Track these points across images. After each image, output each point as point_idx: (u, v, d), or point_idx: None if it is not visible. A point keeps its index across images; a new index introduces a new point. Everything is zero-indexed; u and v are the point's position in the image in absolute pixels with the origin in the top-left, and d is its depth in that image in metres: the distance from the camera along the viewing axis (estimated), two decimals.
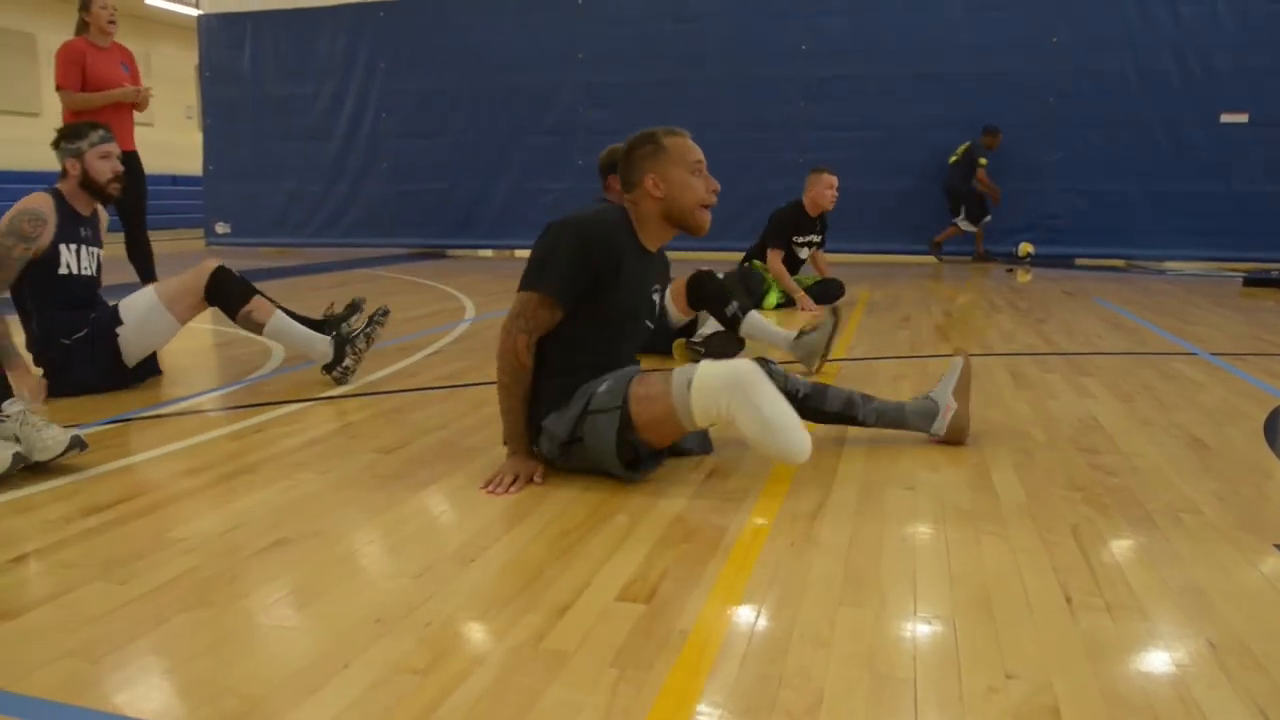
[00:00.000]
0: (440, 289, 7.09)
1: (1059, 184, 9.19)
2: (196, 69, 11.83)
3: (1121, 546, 1.95)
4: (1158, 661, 1.47)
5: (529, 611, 1.64)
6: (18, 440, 2.44)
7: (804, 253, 6.11)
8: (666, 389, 2.25)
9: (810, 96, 9.66)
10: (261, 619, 1.62)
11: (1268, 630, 1.57)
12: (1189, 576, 1.79)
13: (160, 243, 5.54)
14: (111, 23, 5.26)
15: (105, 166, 3.46)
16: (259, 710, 1.33)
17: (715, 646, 1.51)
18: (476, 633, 1.57)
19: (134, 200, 5.31)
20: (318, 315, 3.91)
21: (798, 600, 1.69)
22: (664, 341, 4.18)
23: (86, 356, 3.41)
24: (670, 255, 2.76)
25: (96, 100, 5.11)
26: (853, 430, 2.88)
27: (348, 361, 3.60)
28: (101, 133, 3.47)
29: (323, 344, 3.61)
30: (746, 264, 6.04)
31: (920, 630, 1.57)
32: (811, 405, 2.64)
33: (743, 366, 2.22)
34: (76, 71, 5.09)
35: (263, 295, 3.65)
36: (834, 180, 5.94)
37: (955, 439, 2.70)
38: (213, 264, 3.59)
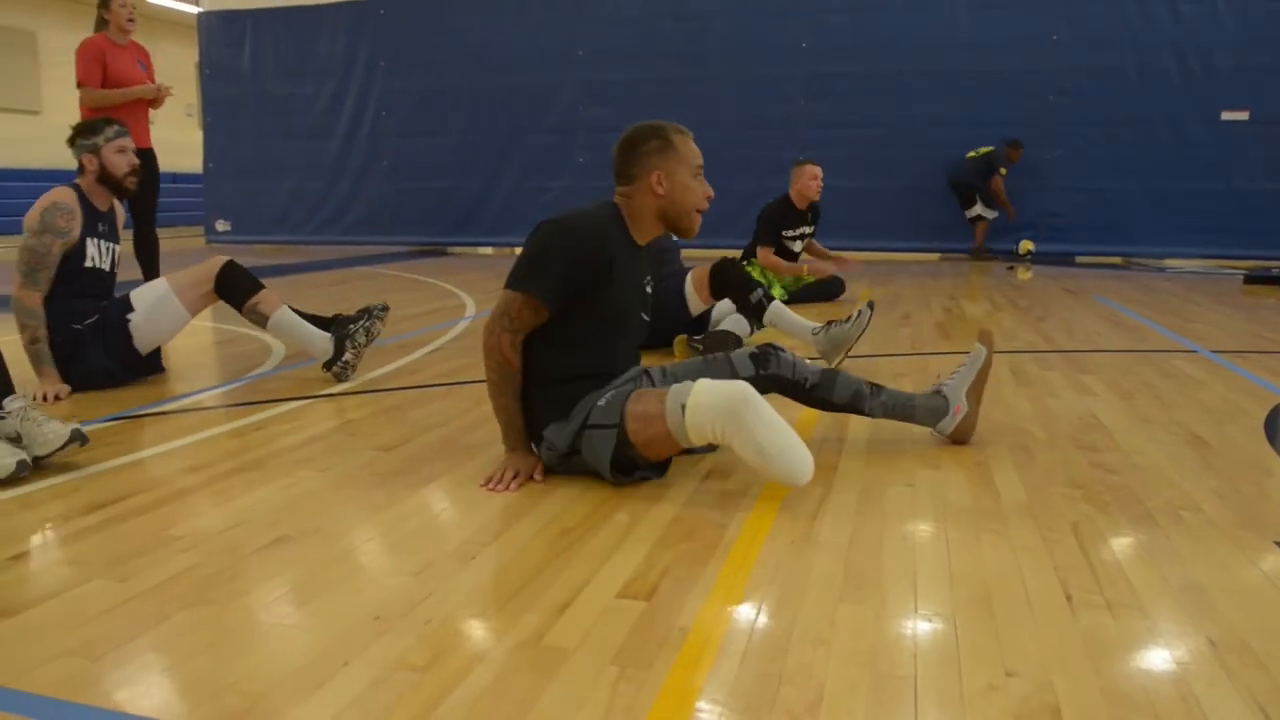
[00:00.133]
0: (440, 286, 7.09)
1: (1059, 182, 9.18)
2: (197, 67, 11.83)
3: (1122, 544, 1.95)
4: (1158, 659, 1.47)
5: (529, 609, 1.64)
6: (19, 437, 2.44)
7: (797, 245, 6.13)
8: (661, 410, 2.20)
9: (811, 94, 9.65)
10: (262, 616, 1.62)
11: (1268, 628, 1.57)
12: (1189, 574, 1.79)
13: (160, 240, 5.55)
14: (131, 20, 5.34)
15: (122, 161, 3.50)
16: (259, 707, 1.33)
17: (715, 644, 1.51)
18: (477, 630, 1.57)
19: (147, 197, 5.36)
20: (321, 314, 3.89)
21: (798, 598, 1.69)
22: (681, 328, 4.19)
23: (98, 343, 3.45)
24: None
25: (116, 97, 5.19)
26: (853, 428, 2.88)
27: (348, 356, 3.61)
28: (116, 128, 3.52)
29: (323, 340, 3.63)
30: (743, 263, 6.05)
31: (921, 628, 1.57)
32: (819, 396, 2.59)
33: (735, 391, 2.14)
34: (98, 68, 5.16)
35: (270, 291, 3.69)
36: (818, 171, 6.00)
37: (960, 439, 2.68)
38: (224, 258, 3.66)
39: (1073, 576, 1.78)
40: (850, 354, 3.86)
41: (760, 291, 3.97)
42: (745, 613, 1.63)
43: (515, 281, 2.31)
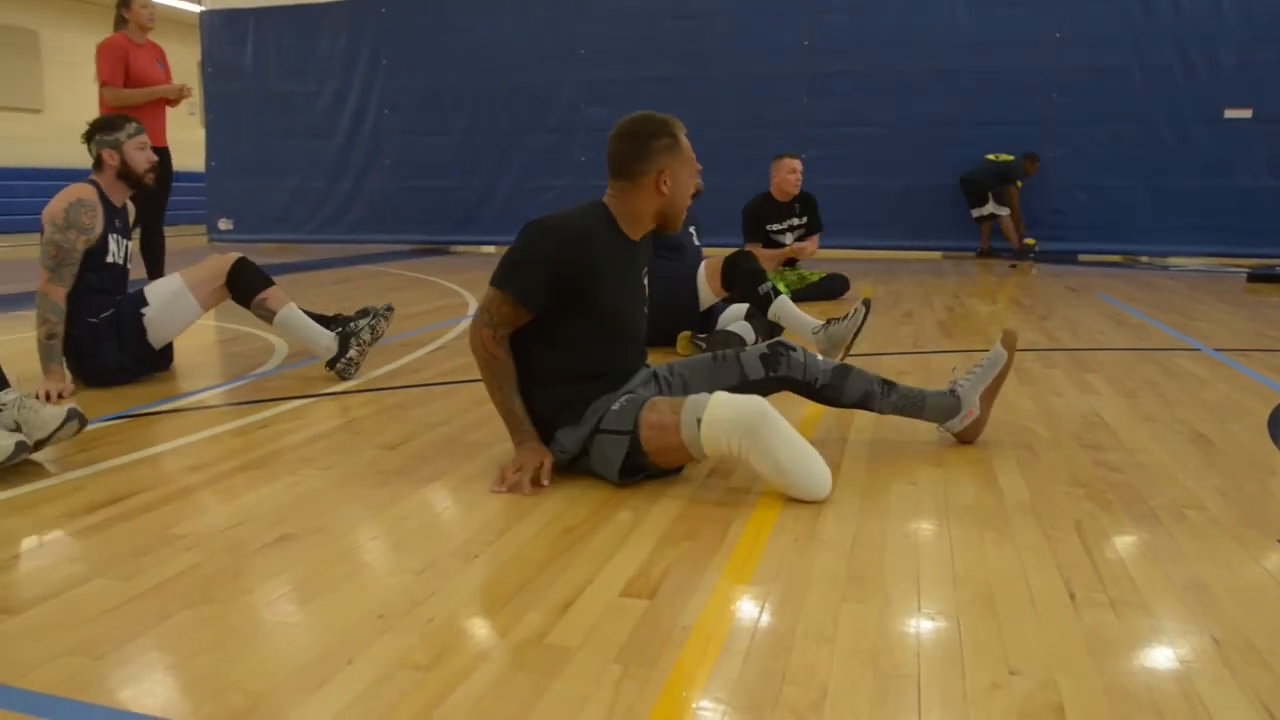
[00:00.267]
0: (443, 285, 7.10)
1: (1062, 180, 9.17)
2: (199, 65, 11.83)
3: (1125, 543, 1.95)
4: (1162, 658, 1.47)
5: (532, 608, 1.64)
6: (18, 427, 2.45)
7: (787, 238, 6.14)
8: (676, 422, 2.20)
9: (812, 93, 9.64)
10: (265, 615, 1.62)
11: (1272, 626, 1.57)
12: (1193, 572, 1.79)
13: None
14: (151, 20, 5.42)
15: (142, 157, 3.56)
16: (263, 706, 1.33)
17: (718, 643, 1.51)
18: (480, 629, 1.57)
19: (159, 196, 5.41)
20: (323, 314, 3.90)
21: (801, 596, 1.69)
22: (687, 322, 4.22)
23: (113, 337, 3.49)
24: None
25: (139, 96, 5.26)
26: (856, 427, 2.88)
27: (352, 353, 3.63)
28: (136, 124, 3.58)
29: (327, 339, 3.65)
30: None
31: (924, 627, 1.57)
32: (828, 396, 2.58)
33: (752, 407, 2.16)
34: (120, 68, 5.24)
35: (279, 289, 3.72)
36: (795, 164, 6.06)
37: (966, 439, 2.67)
38: (236, 254, 3.70)
39: (1076, 575, 1.78)
40: (852, 352, 3.86)
41: (769, 285, 4.03)
42: (748, 611, 1.63)
43: (496, 280, 2.31)
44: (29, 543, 1.97)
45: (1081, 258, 9.22)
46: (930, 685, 1.38)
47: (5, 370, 2.72)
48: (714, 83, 9.79)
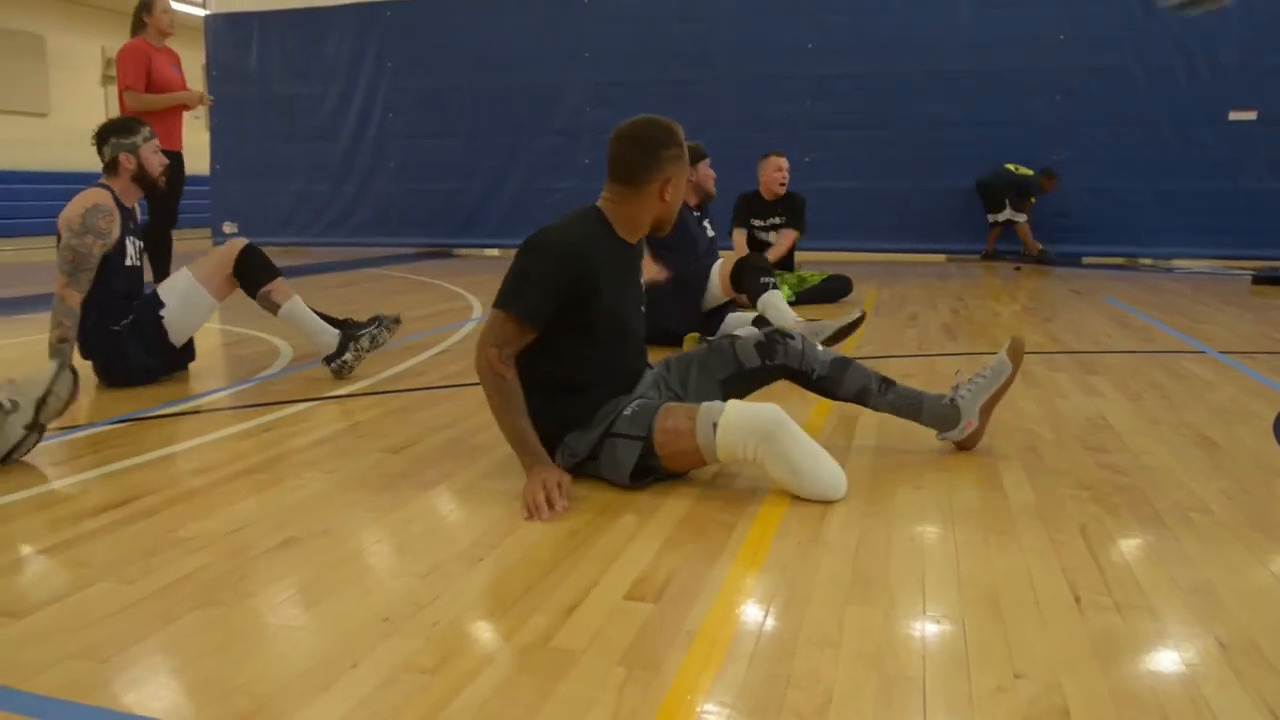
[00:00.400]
0: (447, 288, 7.10)
1: (1066, 182, 9.13)
2: (203, 69, 11.86)
3: (1130, 546, 1.94)
4: (1167, 661, 1.47)
5: (537, 611, 1.64)
6: (16, 405, 2.47)
7: (771, 236, 6.18)
8: (692, 427, 2.22)
9: (815, 94, 9.64)
10: (270, 618, 1.62)
11: (1278, 629, 1.56)
12: (1198, 575, 1.79)
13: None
14: (172, 26, 5.50)
15: (157, 160, 3.62)
16: (267, 709, 1.33)
17: (723, 646, 1.51)
18: (484, 632, 1.57)
19: (171, 199, 5.48)
20: (334, 316, 3.97)
21: (806, 600, 1.69)
22: (692, 323, 4.26)
23: (138, 341, 3.55)
24: None
25: (162, 102, 5.33)
26: (860, 431, 2.88)
27: (348, 356, 3.67)
28: (149, 127, 3.62)
29: (329, 335, 3.70)
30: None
31: (929, 630, 1.57)
32: (825, 387, 2.57)
33: (768, 413, 2.19)
34: (143, 72, 5.31)
35: (285, 281, 3.77)
36: (781, 163, 6.10)
37: (964, 447, 2.65)
38: (242, 242, 3.74)
39: (1081, 578, 1.78)
40: (856, 355, 3.86)
41: (771, 281, 4.20)
42: (753, 614, 1.63)
43: (500, 301, 2.27)
44: (34, 546, 1.97)
45: (1085, 260, 9.20)
46: (935, 688, 1.38)
47: (14, 373, 2.73)
48: (717, 84, 9.79)
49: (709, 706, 1.34)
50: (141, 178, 3.58)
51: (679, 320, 4.30)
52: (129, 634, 1.56)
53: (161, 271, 5.49)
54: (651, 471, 2.30)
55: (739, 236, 6.13)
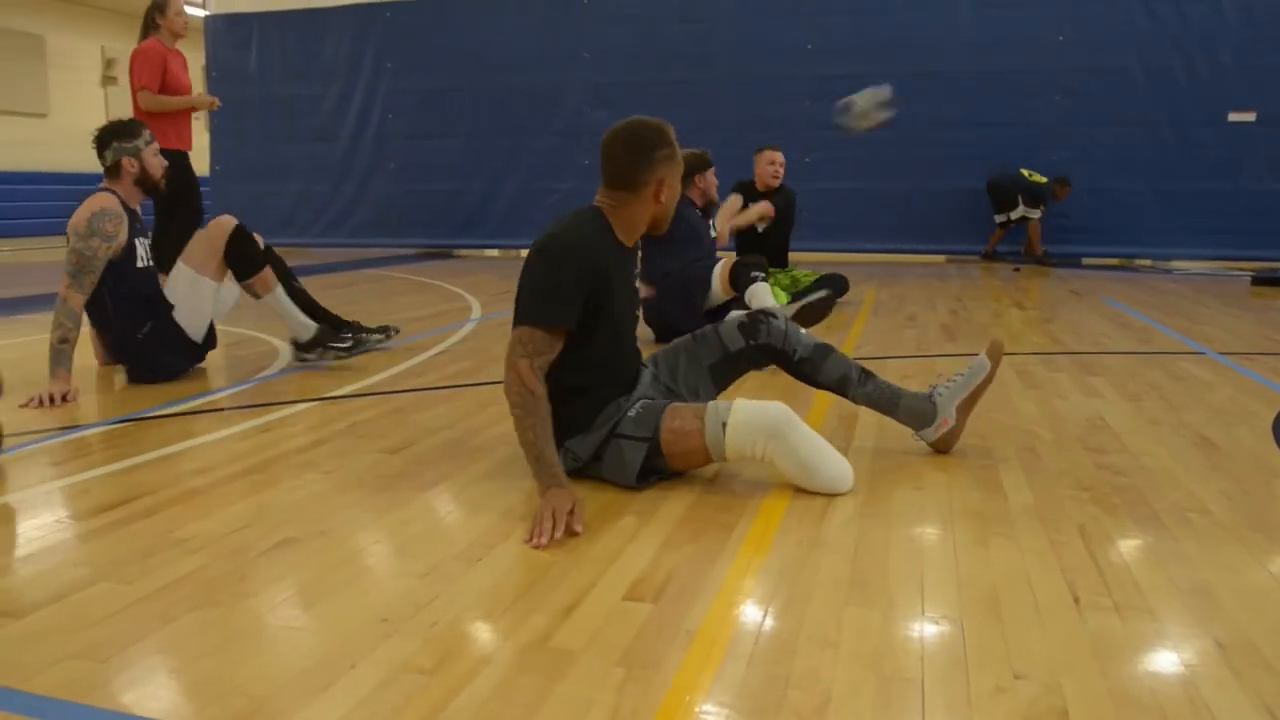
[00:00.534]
0: (447, 289, 7.10)
1: None
2: (203, 69, 11.86)
3: (1129, 546, 1.94)
4: (1166, 661, 1.47)
5: (536, 611, 1.64)
6: None
7: (761, 227, 6.22)
8: (700, 427, 2.24)
9: (815, 95, 9.64)
10: (268, 619, 1.62)
11: (1276, 629, 1.56)
12: (1197, 576, 1.79)
13: None
14: (185, 28, 5.55)
15: (158, 163, 3.67)
16: (266, 709, 1.33)
17: (722, 646, 1.51)
18: (483, 632, 1.57)
19: (194, 199, 5.60)
20: (341, 316, 4.22)
21: (805, 600, 1.69)
22: (696, 320, 4.32)
23: (160, 345, 3.62)
24: None
25: (175, 104, 5.42)
26: (859, 431, 2.88)
27: (312, 355, 3.87)
28: (149, 131, 3.66)
29: (307, 329, 3.84)
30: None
31: (928, 631, 1.57)
32: (805, 371, 2.57)
33: (774, 409, 2.23)
34: (159, 73, 5.37)
35: (271, 264, 3.91)
36: (775, 156, 6.16)
37: (941, 449, 2.63)
38: (230, 224, 3.79)
39: (1080, 579, 1.78)
40: (858, 356, 3.88)
41: (760, 275, 4.39)
42: (752, 615, 1.63)
43: (529, 316, 2.21)
44: (33, 546, 1.97)
45: (1085, 261, 9.21)
46: (934, 689, 1.38)
47: (11, 373, 2.72)
48: (717, 85, 9.79)
49: (708, 707, 1.34)
50: (144, 181, 3.61)
51: (684, 317, 4.40)
52: (128, 634, 1.56)
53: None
54: (656, 471, 2.32)
55: (735, 201, 6.16)
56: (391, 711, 1.32)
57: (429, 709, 1.33)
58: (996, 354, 2.59)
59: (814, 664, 1.45)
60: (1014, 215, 9.05)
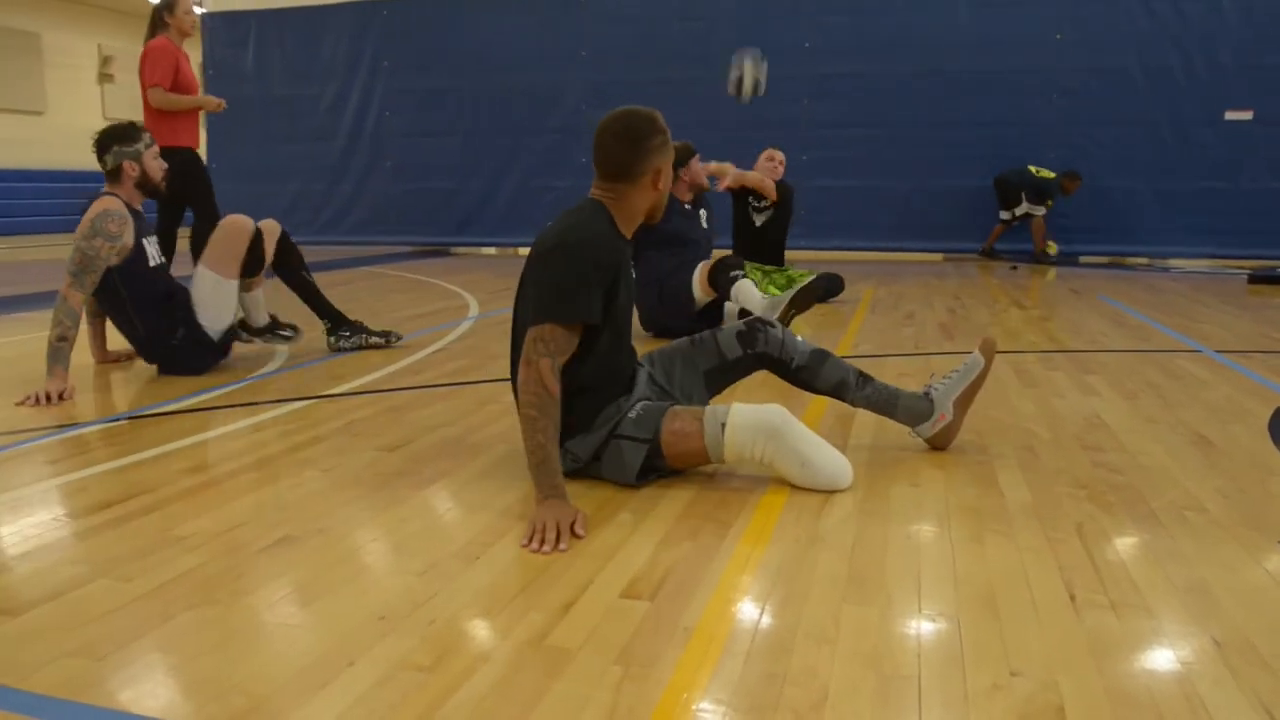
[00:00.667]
0: (444, 287, 7.10)
1: None
2: (200, 68, 11.84)
3: (1126, 544, 1.95)
4: (1162, 659, 1.47)
5: (533, 609, 1.64)
6: None
7: (758, 219, 6.30)
8: (699, 429, 2.26)
9: (814, 94, 9.64)
10: (266, 616, 1.62)
11: (1273, 627, 1.57)
12: (1194, 574, 1.79)
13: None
14: (194, 27, 5.63)
15: (158, 166, 3.69)
16: (264, 707, 1.33)
17: (720, 644, 1.51)
18: (481, 630, 1.57)
19: (208, 194, 5.60)
20: (341, 311, 4.35)
21: (802, 598, 1.69)
22: (678, 323, 4.43)
23: (193, 349, 3.72)
24: None
25: (185, 103, 5.49)
26: (856, 430, 2.88)
27: (259, 341, 4.08)
28: (149, 134, 3.70)
29: (263, 318, 4.04)
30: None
31: (925, 628, 1.57)
32: (803, 378, 2.58)
33: (773, 412, 2.25)
34: (171, 70, 5.44)
35: (289, 253, 4.13)
36: (775, 154, 6.32)
37: (938, 445, 2.64)
38: (250, 228, 3.85)
39: (1077, 576, 1.78)
40: (845, 356, 3.89)
41: (740, 274, 4.46)
42: (749, 612, 1.63)
43: (551, 312, 2.17)
44: (30, 544, 1.97)
45: (1083, 259, 9.21)
46: (931, 686, 1.38)
47: (8, 371, 2.72)
48: (716, 84, 9.75)
49: (705, 704, 1.34)
50: (144, 183, 3.64)
51: (676, 319, 4.52)
52: (126, 632, 1.56)
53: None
54: (655, 470, 2.33)
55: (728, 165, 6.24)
56: (389, 709, 1.32)
57: (427, 706, 1.33)
58: (989, 351, 2.61)
59: (811, 661, 1.46)
60: (1018, 212, 9.05)
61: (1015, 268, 8.63)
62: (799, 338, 2.59)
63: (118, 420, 3.05)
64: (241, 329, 3.99)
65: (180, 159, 5.21)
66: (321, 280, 4.34)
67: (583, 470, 2.36)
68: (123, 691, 1.38)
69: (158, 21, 5.46)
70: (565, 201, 9.84)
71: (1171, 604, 1.66)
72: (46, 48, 14.51)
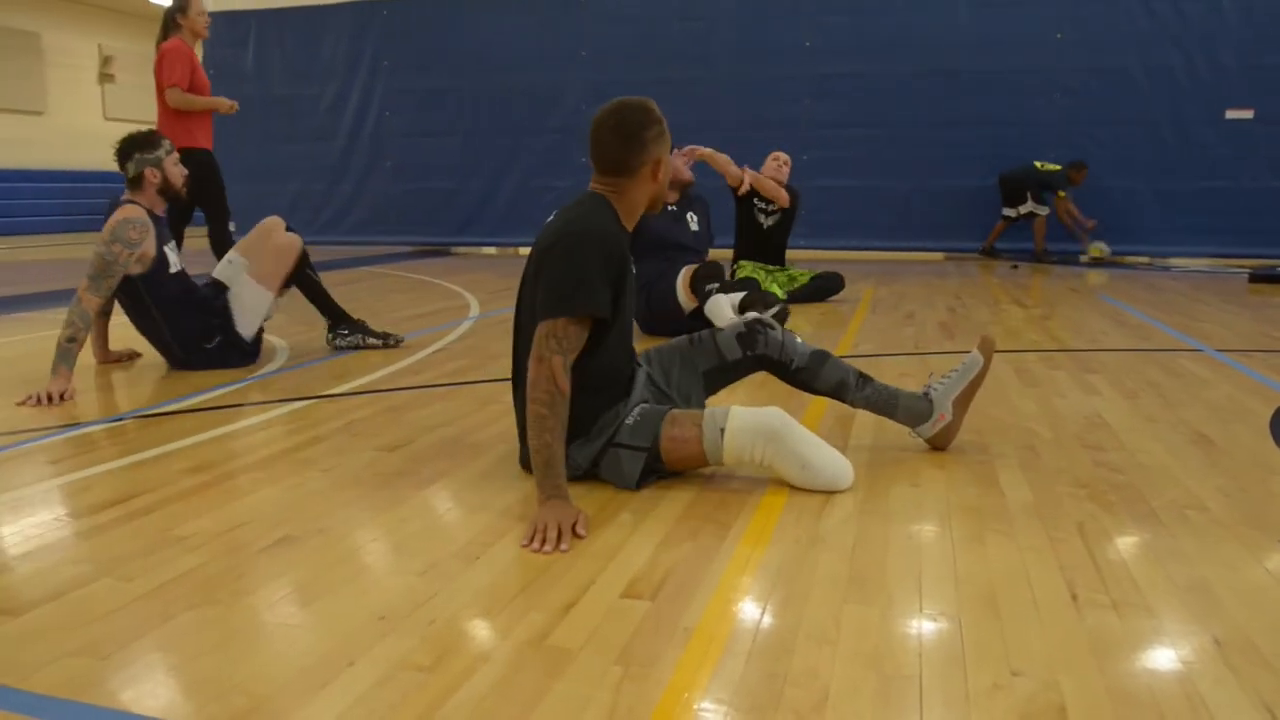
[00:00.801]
0: (444, 287, 7.10)
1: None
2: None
3: (1127, 543, 1.95)
4: (1164, 658, 1.47)
5: (533, 609, 1.64)
6: None
7: (764, 219, 6.30)
8: (698, 434, 2.26)
9: (814, 94, 9.64)
10: (267, 616, 1.62)
11: (1274, 627, 1.56)
12: (1195, 573, 1.79)
13: None
14: (207, 29, 5.75)
15: (178, 172, 3.75)
16: (265, 707, 1.33)
17: (720, 644, 1.51)
18: (481, 630, 1.57)
19: (219, 198, 5.62)
20: (346, 310, 4.41)
21: (803, 598, 1.69)
22: (669, 327, 4.42)
23: (230, 353, 3.85)
24: None
25: (200, 104, 5.57)
26: (856, 430, 2.88)
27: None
28: (169, 141, 3.76)
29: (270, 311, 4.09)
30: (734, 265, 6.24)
31: (926, 628, 1.57)
32: (802, 379, 2.57)
33: (772, 414, 2.25)
34: (187, 71, 5.56)
35: (287, 286, 4.15)
36: (780, 155, 6.35)
37: (938, 445, 2.63)
38: (298, 247, 4.05)
39: (1078, 576, 1.78)
40: (846, 356, 3.89)
41: (715, 286, 4.40)
42: (750, 612, 1.63)
43: (562, 306, 2.14)
44: (32, 543, 1.97)
45: (1083, 258, 9.21)
46: (932, 686, 1.38)
47: (9, 371, 2.73)
48: (716, 84, 9.79)
49: (706, 704, 1.34)
50: (166, 190, 3.70)
51: (666, 323, 4.53)
52: (127, 632, 1.56)
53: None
54: (655, 472, 2.33)
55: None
56: (389, 709, 1.32)
57: (427, 706, 1.33)
58: (988, 349, 2.61)
59: (812, 661, 1.45)
60: (1022, 210, 9.04)
61: (1016, 266, 8.63)
62: (799, 339, 2.59)
63: (120, 420, 3.05)
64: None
65: (195, 160, 5.24)
66: (322, 280, 4.35)
67: (583, 477, 2.35)
68: (124, 691, 1.38)
69: (170, 23, 5.49)
70: (565, 201, 9.83)
71: (1173, 603, 1.66)
72: (47, 48, 14.51)
